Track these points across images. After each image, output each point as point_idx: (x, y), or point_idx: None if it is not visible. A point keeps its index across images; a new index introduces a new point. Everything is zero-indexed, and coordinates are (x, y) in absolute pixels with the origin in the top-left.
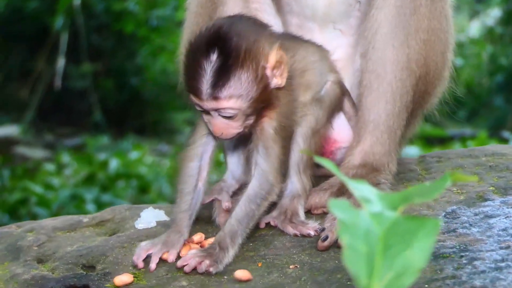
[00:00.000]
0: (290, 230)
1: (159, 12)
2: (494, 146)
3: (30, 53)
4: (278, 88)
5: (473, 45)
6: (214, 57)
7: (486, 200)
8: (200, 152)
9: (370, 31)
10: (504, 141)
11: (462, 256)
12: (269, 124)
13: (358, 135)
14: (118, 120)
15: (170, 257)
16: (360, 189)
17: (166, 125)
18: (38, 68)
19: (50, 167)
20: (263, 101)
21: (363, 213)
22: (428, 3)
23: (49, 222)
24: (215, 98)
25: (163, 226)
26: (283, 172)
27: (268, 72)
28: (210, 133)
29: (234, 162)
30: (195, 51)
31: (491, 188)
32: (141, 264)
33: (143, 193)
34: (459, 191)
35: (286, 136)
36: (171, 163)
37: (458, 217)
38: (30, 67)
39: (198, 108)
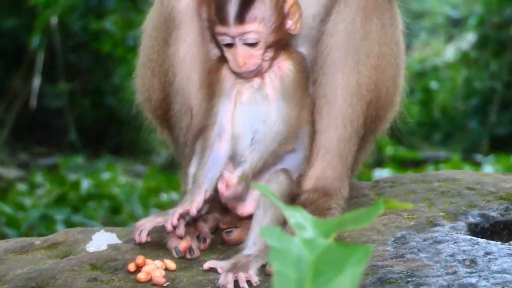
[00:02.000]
0: (222, 278)
1: (136, 32)
2: (447, 172)
3: (6, 71)
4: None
5: (448, 69)
6: None
7: (435, 225)
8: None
9: (320, 57)
10: (477, 164)
11: (408, 282)
12: (288, 67)
13: (310, 160)
14: (94, 140)
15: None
16: (295, 215)
17: (142, 146)
18: (14, 87)
19: (22, 187)
20: (281, 37)
21: (295, 240)
22: (378, 29)
23: (1, 244)
24: (241, 20)
25: (114, 249)
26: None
27: (286, 8)
28: (232, 71)
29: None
30: None
31: (441, 213)
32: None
33: (115, 214)
34: (409, 216)
35: (303, 89)
36: (144, 183)
37: (407, 242)
38: (6, 85)
39: (223, 41)
